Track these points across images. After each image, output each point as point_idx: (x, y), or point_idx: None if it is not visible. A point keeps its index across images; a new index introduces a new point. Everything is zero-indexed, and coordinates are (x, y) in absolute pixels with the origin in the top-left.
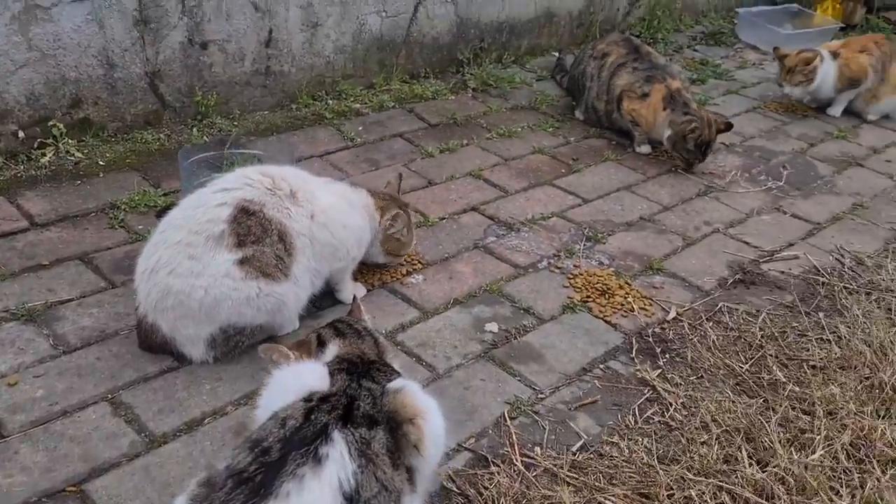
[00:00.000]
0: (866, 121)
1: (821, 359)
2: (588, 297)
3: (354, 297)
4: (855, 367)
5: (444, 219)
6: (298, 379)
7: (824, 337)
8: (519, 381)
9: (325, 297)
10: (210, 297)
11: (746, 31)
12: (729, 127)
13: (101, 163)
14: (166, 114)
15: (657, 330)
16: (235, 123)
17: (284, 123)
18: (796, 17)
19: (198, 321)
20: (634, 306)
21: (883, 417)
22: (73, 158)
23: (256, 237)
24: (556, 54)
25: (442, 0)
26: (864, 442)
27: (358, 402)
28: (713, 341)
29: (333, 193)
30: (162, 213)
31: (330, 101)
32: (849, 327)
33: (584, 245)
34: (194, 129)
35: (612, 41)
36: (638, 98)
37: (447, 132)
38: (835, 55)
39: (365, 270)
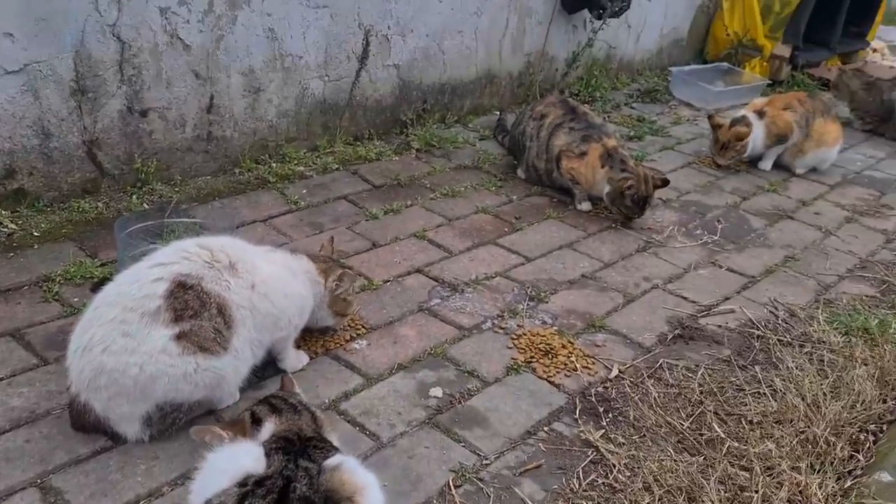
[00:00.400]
0: (795, 174)
1: (758, 413)
2: (532, 357)
3: (285, 372)
4: (790, 421)
5: (388, 281)
6: (232, 462)
7: (761, 391)
8: (464, 447)
9: (268, 366)
10: (145, 374)
11: (680, 89)
12: (665, 183)
13: (35, 234)
14: (105, 182)
15: (600, 389)
16: (177, 189)
17: (227, 188)
18: (727, 75)
19: (133, 399)
20: (577, 365)
21: (817, 472)
22: (5, 230)
23: (194, 311)
24: (498, 113)
25: (384, 64)
26: (800, 498)
27: (294, 484)
28: (654, 398)
29: (274, 262)
30: (97, 286)
31: (273, 165)
32: (783, 381)
33: (528, 304)
34: (134, 197)
35: (549, 103)
36: (576, 157)
37: (391, 193)
38: (761, 114)
39: (308, 337)
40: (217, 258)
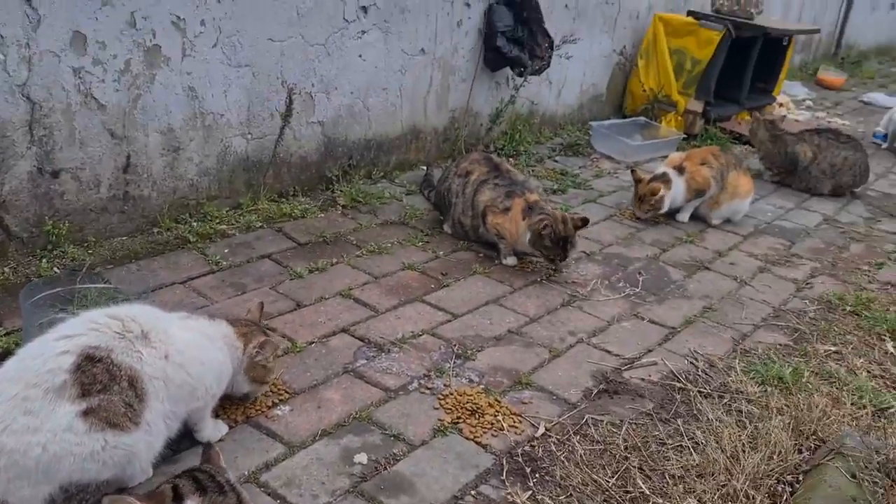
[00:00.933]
0: (711, 225)
1: (680, 468)
2: (459, 417)
3: (209, 444)
4: (712, 475)
5: (312, 343)
6: None
7: (683, 444)
8: None
9: (183, 437)
10: (49, 454)
11: (600, 142)
12: (585, 222)
13: None
14: (12, 245)
15: (527, 448)
16: (90, 252)
17: (144, 249)
18: (644, 129)
19: (35, 482)
20: (504, 424)
21: None
22: None
23: (103, 385)
24: (425, 168)
25: (308, 121)
26: None
27: None
28: (580, 456)
29: (190, 329)
30: (0, 359)
31: (194, 224)
32: (704, 433)
33: (455, 363)
34: (44, 261)
35: (474, 160)
36: (501, 212)
37: (317, 251)
38: (680, 170)
39: (227, 405)
40: (128, 328)
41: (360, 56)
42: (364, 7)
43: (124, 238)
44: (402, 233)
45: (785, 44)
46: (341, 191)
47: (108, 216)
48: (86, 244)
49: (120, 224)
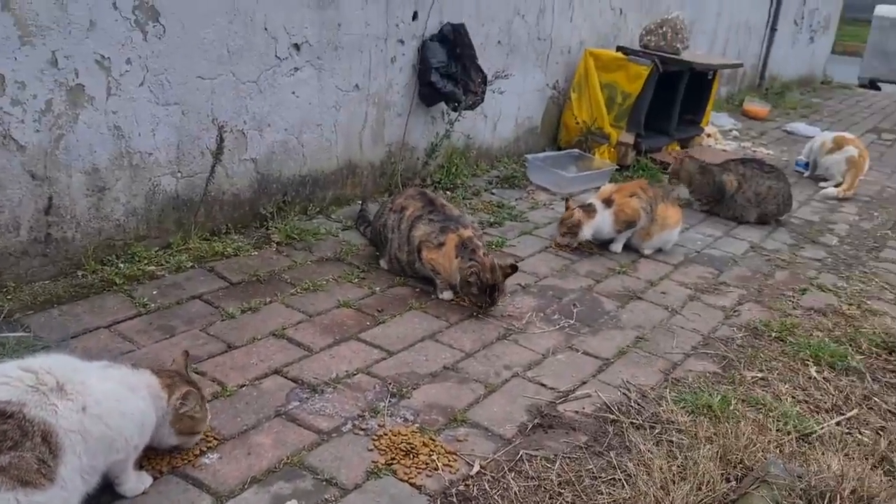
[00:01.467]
0: (643, 255)
1: (612, 501)
2: (393, 458)
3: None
4: None
5: (243, 386)
6: None
7: (615, 477)
8: None
9: (104, 491)
10: None
11: (536, 175)
12: (514, 269)
13: None
14: None
15: (461, 487)
16: (9, 297)
17: (67, 293)
18: (579, 160)
19: None
20: (439, 464)
21: None
22: None
23: (14, 442)
24: (360, 203)
25: (241, 158)
26: None
27: None
28: (515, 493)
29: (110, 379)
30: None
31: (121, 266)
32: (636, 465)
33: (389, 402)
34: None
35: (409, 195)
36: (435, 248)
37: (250, 290)
38: (609, 202)
39: (152, 455)
40: (42, 380)
41: (293, 93)
42: (296, 45)
43: (46, 282)
44: (338, 269)
45: (710, 77)
46: (276, 228)
47: (28, 260)
48: (4, 290)
49: (41, 268)
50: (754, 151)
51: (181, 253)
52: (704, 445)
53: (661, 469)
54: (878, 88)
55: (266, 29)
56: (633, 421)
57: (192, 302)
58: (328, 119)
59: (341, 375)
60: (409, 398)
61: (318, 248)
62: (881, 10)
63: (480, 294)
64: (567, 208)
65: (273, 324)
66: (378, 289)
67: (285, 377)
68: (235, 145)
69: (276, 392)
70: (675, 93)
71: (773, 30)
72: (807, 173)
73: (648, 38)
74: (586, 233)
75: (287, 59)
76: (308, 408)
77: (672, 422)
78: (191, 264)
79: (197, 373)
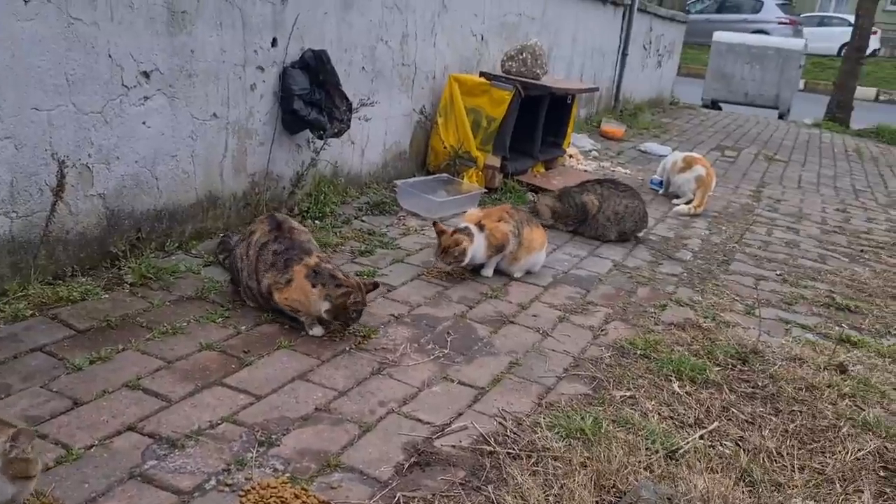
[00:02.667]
0: (513, 278)
1: None
2: None
3: None
4: None
5: (92, 447)
6: None
7: None
8: None
9: None
10: None
11: (406, 200)
12: (375, 286)
13: None
14: None
15: None
16: None
17: None
18: (448, 185)
19: None
20: None
21: None
22: None
23: None
24: (223, 233)
25: (86, 194)
26: None
27: None
28: None
29: None
30: None
31: None
32: (514, 497)
33: (257, 451)
34: None
35: (259, 220)
36: (285, 286)
37: (100, 338)
38: (480, 227)
39: None
40: None
41: (143, 123)
42: (145, 72)
43: None
44: (200, 309)
45: (570, 101)
46: (129, 267)
47: None
48: None
49: None
50: (613, 171)
51: (19, 300)
52: (579, 472)
53: (538, 500)
54: (720, 108)
55: (111, 56)
56: (510, 451)
57: (33, 355)
58: (184, 149)
59: (204, 426)
60: (278, 446)
61: (176, 287)
62: (718, 35)
63: (357, 317)
64: (441, 232)
65: (126, 374)
66: (244, 327)
67: (140, 433)
68: (79, 180)
69: (129, 451)
70: (537, 116)
71: (625, 55)
72: (661, 191)
73: (510, 63)
74: (468, 258)
75: (136, 87)
76: (167, 466)
77: (547, 448)
78: (30, 312)
79: (39, 436)
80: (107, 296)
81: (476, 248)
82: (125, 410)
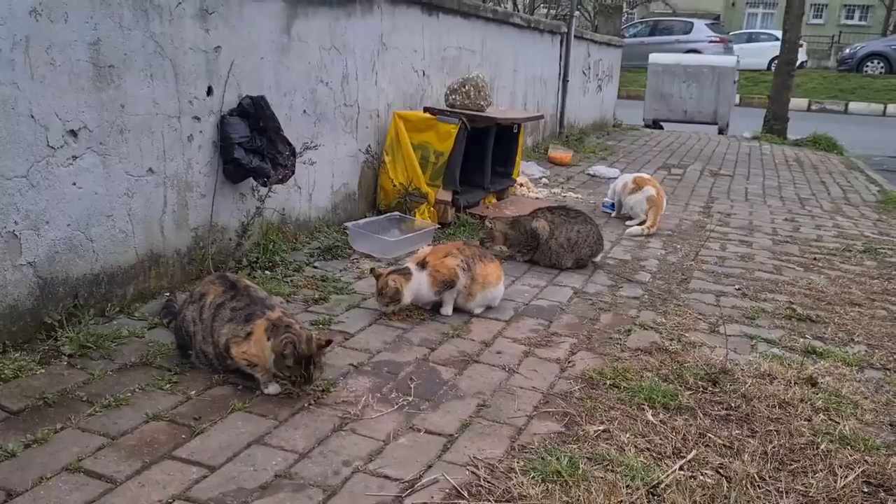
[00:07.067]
0: (473, 315)
1: None
2: None
3: None
4: None
5: None
6: None
7: None
8: None
9: None
10: None
11: (359, 242)
12: (329, 343)
13: None
14: None
15: None
16: None
17: None
18: (401, 223)
19: None
20: None
21: None
22: None
23: None
24: (168, 295)
25: (15, 264)
26: None
27: None
28: None
29: None
30: None
31: None
32: None
33: None
34: None
35: (208, 281)
36: (244, 340)
37: (35, 418)
38: (423, 265)
39: None
40: None
41: (74, 184)
42: (73, 131)
43: None
44: (145, 376)
45: (515, 131)
46: (67, 337)
47: None
48: None
49: None
50: (564, 197)
51: None
52: None
53: None
54: (661, 127)
55: (33, 116)
56: (486, 502)
57: None
58: (120, 208)
59: None
60: None
61: (119, 355)
62: (654, 57)
63: (296, 366)
64: (377, 276)
65: (66, 456)
66: (193, 392)
67: None
68: (6, 250)
69: None
70: (484, 148)
71: (566, 81)
72: (614, 213)
73: (453, 97)
74: (407, 297)
75: (63, 147)
76: None
77: (524, 496)
78: None
79: None
80: (42, 371)
81: (417, 287)
82: (65, 498)
